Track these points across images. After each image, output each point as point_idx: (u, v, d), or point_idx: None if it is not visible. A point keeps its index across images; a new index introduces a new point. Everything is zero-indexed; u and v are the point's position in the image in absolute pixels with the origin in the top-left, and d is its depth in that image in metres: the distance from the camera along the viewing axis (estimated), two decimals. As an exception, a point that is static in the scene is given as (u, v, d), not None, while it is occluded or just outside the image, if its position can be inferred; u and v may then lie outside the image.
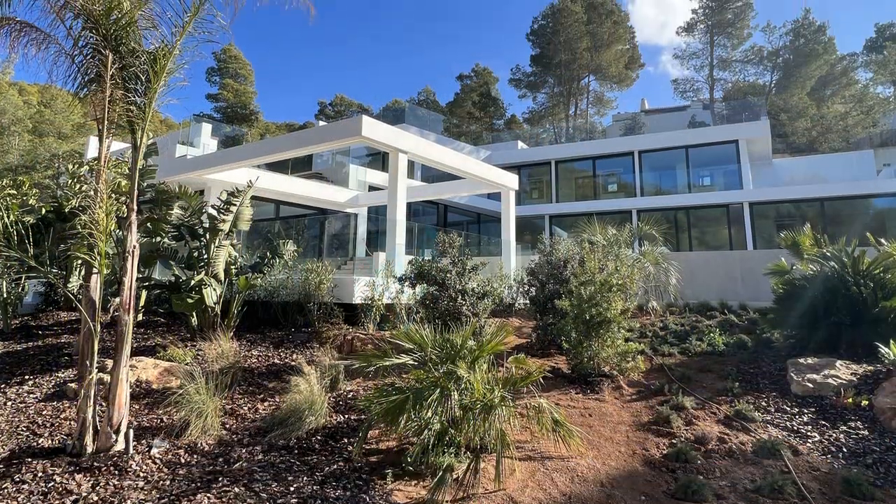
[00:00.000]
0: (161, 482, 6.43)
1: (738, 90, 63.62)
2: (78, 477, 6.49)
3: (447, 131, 62.76)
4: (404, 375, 8.06)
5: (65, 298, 15.25)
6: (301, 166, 31.36)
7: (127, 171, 12.34)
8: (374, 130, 16.08)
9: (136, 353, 10.95)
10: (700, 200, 32.70)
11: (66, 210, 14.02)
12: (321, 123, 41.92)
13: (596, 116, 70.87)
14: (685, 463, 7.03)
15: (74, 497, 6.06)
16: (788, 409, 8.71)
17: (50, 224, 14.06)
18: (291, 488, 6.29)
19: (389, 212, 16.71)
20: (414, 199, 26.45)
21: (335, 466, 6.86)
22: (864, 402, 8.41)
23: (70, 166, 15.47)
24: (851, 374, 9.43)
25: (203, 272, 12.45)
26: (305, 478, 6.55)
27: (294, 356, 11.44)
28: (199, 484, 6.39)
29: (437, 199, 30.27)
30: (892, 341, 9.44)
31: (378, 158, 35.24)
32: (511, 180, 23.17)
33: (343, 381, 9.79)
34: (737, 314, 15.25)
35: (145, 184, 13.27)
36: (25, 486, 6.29)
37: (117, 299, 7.92)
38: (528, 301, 14.51)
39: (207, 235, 12.91)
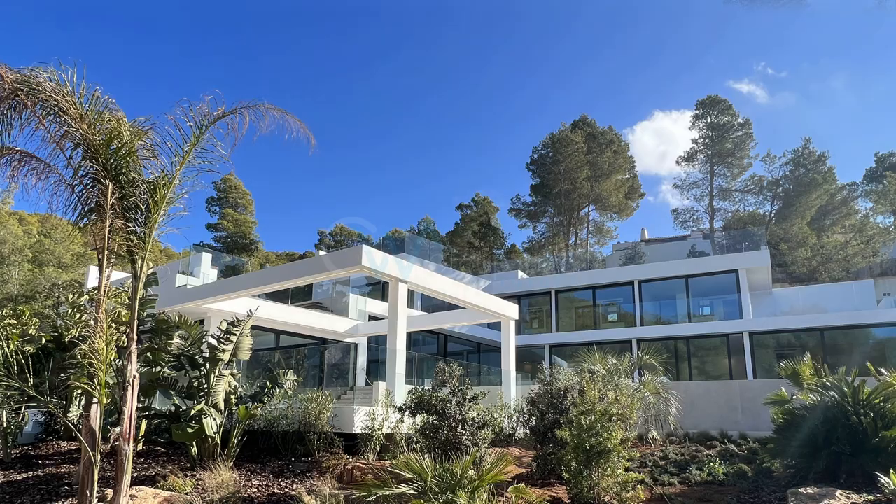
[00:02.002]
0: None
1: (739, 220, 63.73)
2: None
3: (447, 261, 63.02)
4: (404, 505, 8.06)
5: (65, 428, 15.18)
6: (301, 296, 31.66)
7: (127, 300, 12.49)
8: (374, 260, 16.37)
9: (136, 482, 10.90)
10: (700, 330, 32.94)
11: (67, 340, 14.02)
12: (321, 253, 42.52)
13: (596, 246, 71.45)
14: None
15: None
16: (791, 540, 8.64)
17: (50, 354, 14.07)
18: None
19: (389, 341, 16.86)
20: (414, 328, 26.55)
21: None
22: (866, 533, 8.36)
23: (70, 296, 15.61)
24: (851, 503, 9.39)
25: (203, 402, 12.51)
26: None
27: (294, 486, 11.37)
28: None
29: (437, 328, 30.43)
30: (892, 471, 9.44)
31: (378, 288, 35.55)
32: (511, 310, 23.43)
33: (342, 512, 9.72)
34: (737, 444, 15.17)
35: (145, 313, 13.39)
36: None
37: (117, 429, 8.00)
38: (528, 430, 14.48)
39: (207, 365, 13.06)
